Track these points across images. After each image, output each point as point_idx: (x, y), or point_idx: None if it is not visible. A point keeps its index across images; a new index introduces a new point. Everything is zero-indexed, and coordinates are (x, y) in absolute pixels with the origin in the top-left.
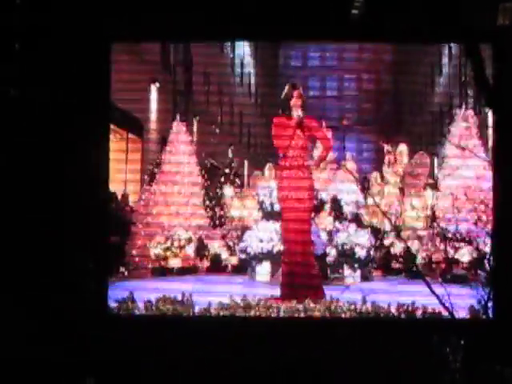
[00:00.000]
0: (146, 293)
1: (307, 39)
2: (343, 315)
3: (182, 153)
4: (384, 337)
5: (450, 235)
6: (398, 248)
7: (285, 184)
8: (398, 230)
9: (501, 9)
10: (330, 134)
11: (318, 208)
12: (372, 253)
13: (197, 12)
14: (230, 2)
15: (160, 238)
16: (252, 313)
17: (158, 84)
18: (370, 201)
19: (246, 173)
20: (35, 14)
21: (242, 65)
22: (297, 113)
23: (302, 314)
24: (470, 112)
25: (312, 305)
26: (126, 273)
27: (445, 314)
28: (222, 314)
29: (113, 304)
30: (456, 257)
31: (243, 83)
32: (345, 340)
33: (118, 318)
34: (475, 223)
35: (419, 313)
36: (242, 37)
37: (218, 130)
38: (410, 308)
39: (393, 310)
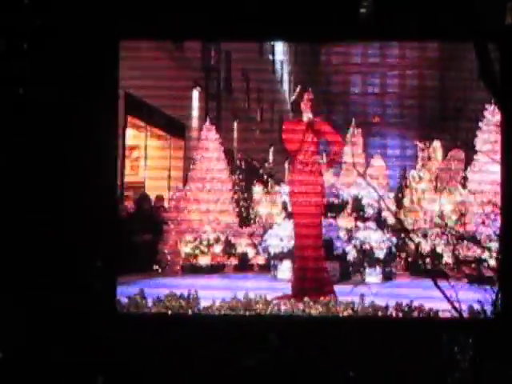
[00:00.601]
0: (176, 289)
1: (313, 39)
2: (341, 314)
3: (211, 153)
4: (391, 336)
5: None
6: (424, 247)
7: (296, 188)
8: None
9: (509, 8)
10: (340, 137)
11: (340, 208)
12: (393, 252)
13: (203, 12)
14: (236, 1)
15: (189, 236)
16: (255, 311)
17: (199, 88)
18: (406, 200)
19: (286, 172)
20: (43, 14)
21: (281, 63)
22: (307, 116)
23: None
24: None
25: (314, 303)
26: (159, 270)
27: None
28: (223, 311)
29: (124, 299)
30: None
31: (283, 82)
32: (352, 339)
33: (126, 317)
34: (483, 222)
35: (425, 312)
36: (246, 37)
37: (258, 131)
38: (412, 307)
39: (393, 309)
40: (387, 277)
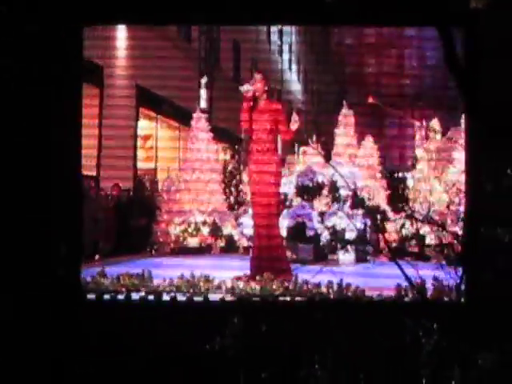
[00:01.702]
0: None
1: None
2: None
3: (201, 141)
4: (355, 320)
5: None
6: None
7: (251, 168)
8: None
9: None
10: (296, 118)
11: (316, 191)
12: (367, 235)
13: None
14: None
15: (178, 220)
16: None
17: (206, 78)
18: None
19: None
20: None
21: (290, 43)
22: (260, 97)
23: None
24: None
25: (278, 286)
26: (152, 251)
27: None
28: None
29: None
30: None
31: (291, 63)
32: (313, 322)
33: (90, 303)
34: (447, 206)
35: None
36: (215, 21)
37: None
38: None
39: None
40: (362, 258)
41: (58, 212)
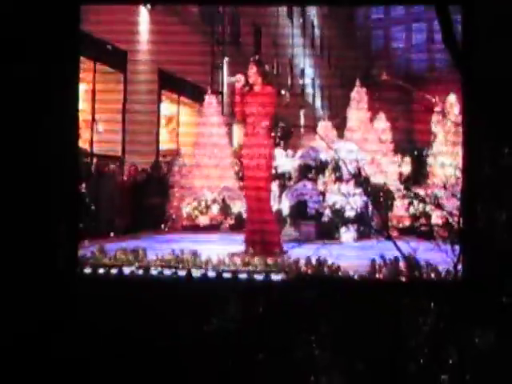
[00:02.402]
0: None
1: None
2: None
3: (211, 123)
4: (351, 299)
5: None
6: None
7: (244, 151)
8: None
9: None
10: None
11: (319, 170)
12: (369, 212)
13: None
14: None
15: (189, 199)
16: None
17: (227, 58)
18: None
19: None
20: None
21: (313, 27)
22: (255, 82)
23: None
24: None
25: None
26: (166, 228)
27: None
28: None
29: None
30: None
31: (314, 42)
32: (310, 301)
33: (88, 280)
34: (444, 186)
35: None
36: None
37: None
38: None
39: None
40: (364, 236)
41: (57, 191)
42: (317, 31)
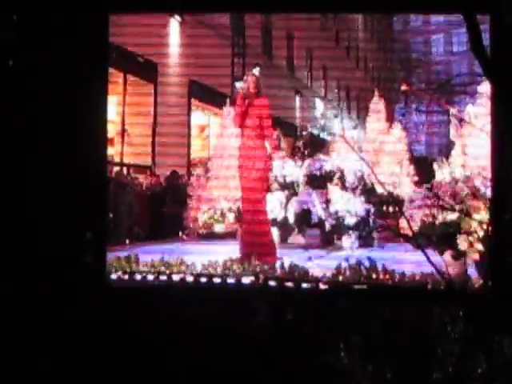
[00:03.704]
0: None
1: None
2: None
3: (228, 134)
4: (380, 306)
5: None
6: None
7: (240, 161)
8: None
9: None
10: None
11: (326, 179)
12: (371, 220)
13: None
14: None
15: (205, 207)
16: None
17: (258, 68)
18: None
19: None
20: None
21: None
22: (252, 93)
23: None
24: None
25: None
26: (184, 236)
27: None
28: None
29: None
30: None
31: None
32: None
33: (116, 289)
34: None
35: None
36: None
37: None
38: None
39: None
40: (367, 244)
41: (84, 199)
42: (352, 42)
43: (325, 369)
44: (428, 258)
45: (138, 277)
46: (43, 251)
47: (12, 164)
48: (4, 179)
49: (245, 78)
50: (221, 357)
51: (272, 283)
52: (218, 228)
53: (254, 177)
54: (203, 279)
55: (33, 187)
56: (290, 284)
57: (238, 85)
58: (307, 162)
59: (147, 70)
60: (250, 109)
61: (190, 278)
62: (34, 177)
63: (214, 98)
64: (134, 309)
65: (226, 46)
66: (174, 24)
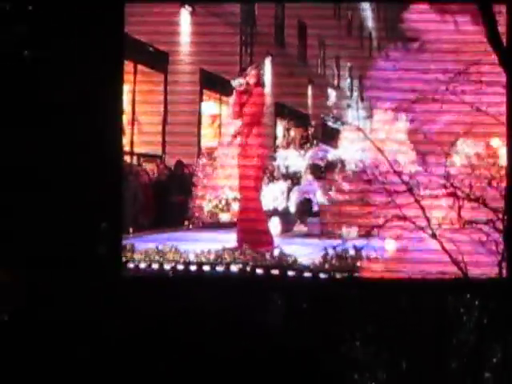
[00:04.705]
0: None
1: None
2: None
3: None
4: (395, 297)
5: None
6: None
7: (239, 152)
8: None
9: None
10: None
11: (329, 168)
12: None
13: None
14: None
15: (210, 196)
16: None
17: (270, 57)
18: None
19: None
20: None
21: (361, 24)
22: (252, 88)
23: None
24: None
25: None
26: (190, 226)
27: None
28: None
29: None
30: None
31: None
32: (348, 300)
33: (131, 280)
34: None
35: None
36: None
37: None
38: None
39: None
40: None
41: (100, 191)
42: (365, 31)
43: (340, 358)
44: (443, 247)
45: (155, 266)
46: (60, 241)
47: (28, 155)
48: (20, 170)
49: (248, 70)
50: (236, 347)
51: (290, 273)
52: (224, 217)
53: (250, 164)
54: (219, 268)
55: (49, 178)
56: (307, 274)
57: (235, 82)
58: (310, 152)
59: (158, 60)
60: (248, 99)
61: (206, 267)
62: (50, 167)
63: (226, 88)
64: (149, 299)
65: (237, 35)
66: (185, 13)
